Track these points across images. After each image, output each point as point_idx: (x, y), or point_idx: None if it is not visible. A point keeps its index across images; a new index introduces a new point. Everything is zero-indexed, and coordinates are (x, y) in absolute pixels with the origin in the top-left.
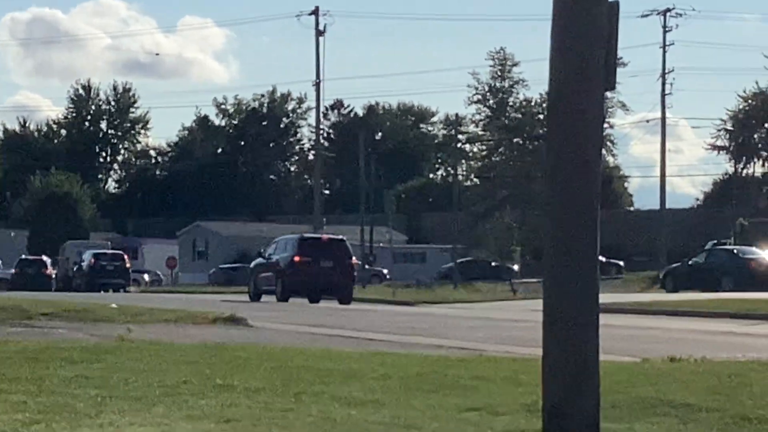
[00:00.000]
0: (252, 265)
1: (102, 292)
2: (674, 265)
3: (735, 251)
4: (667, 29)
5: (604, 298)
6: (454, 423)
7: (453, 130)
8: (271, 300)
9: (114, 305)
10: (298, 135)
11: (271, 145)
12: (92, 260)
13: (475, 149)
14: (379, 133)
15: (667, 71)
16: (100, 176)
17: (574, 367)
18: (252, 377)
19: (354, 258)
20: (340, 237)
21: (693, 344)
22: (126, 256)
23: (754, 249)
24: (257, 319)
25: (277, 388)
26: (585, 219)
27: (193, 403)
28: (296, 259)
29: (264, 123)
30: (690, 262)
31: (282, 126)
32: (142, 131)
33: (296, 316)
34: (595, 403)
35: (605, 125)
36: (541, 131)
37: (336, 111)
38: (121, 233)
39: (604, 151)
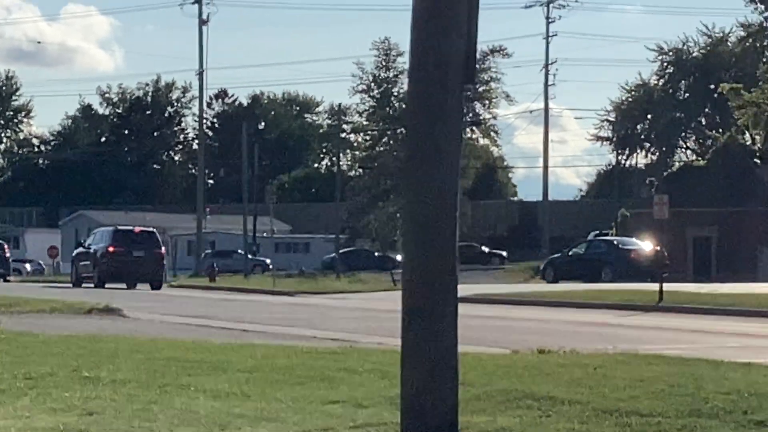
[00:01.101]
0: (74, 254)
1: None
2: (555, 255)
3: (615, 242)
4: (550, 20)
5: (484, 288)
6: (317, 415)
7: (337, 120)
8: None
9: None
10: (183, 124)
11: (155, 134)
12: None
13: (360, 139)
14: (263, 123)
15: (550, 62)
16: None
17: (432, 359)
18: (119, 369)
19: (163, 248)
20: (151, 229)
21: (566, 335)
22: (6, 246)
23: (633, 240)
24: (134, 309)
25: (143, 380)
26: (443, 212)
27: (57, 396)
28: (110, 249)
29: (148, 112)
30: (570, 253)
31: (166, 115)
32: (25, 119)
33: (173, 306)
34: (453, 395)
35: (489, 116)
36: None
37: (220, 100)
38: (2, 222)
39: (488, 142)
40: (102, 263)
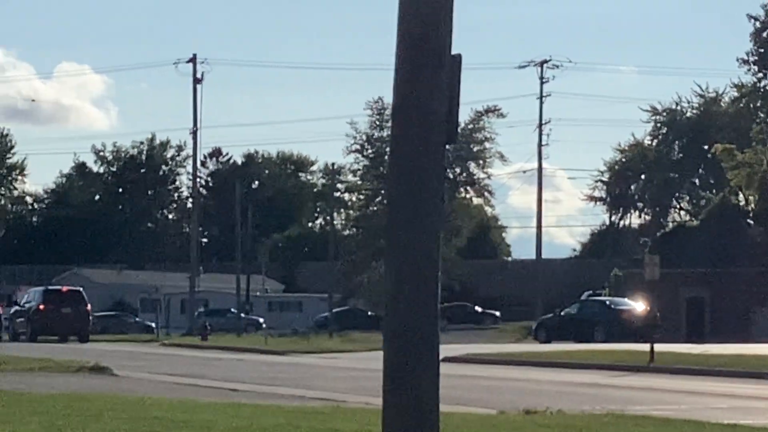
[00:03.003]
0: (11, 312)
1: None
2: (547, 315)
3: (607, 302)
4: (544, 80)
5: (475, 348)
6: None
7: (331, 180)
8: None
9: None
10: (177, 183)
11: (149, 192)
12: None
13: (354, 198)
14: (257, 182)
15: (544, 122)
16: None
17: (414, 418)
18: (104, 428)
19: (89, 305)
20: (78, 288)
21: (555, 396)
22: (0, 303)
23: (626, 300)
24: (123, 368)
25: None
26: (425, 272)
27: None
28: (41, 307)
29: (142, 170)
30: (562, 313)
31: (161, 173)
32: (19, 177)
33: (164, 365)
34: None
35: (483, 175)
36: None
37: (215, 159)
38: None
39: (481, 201)
40: (34, 320)
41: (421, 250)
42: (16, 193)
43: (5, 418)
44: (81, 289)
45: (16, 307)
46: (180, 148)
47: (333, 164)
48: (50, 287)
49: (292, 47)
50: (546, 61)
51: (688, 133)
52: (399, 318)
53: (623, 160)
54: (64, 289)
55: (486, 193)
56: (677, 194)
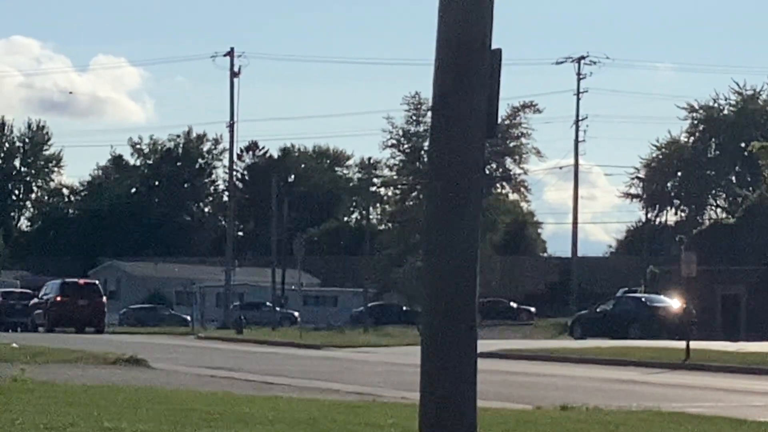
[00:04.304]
0: (30, 303)
1: (10, 331)
2: (582, 312)
3: (643, 299)
4: (581, 77)
5: (510, 344)
6: None
7: (367, 174)
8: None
9: (15, 345)
10: (213, 176)
11: (185, 185)
12: (0, 299)
13: (390, 193)
14: (293, 176)
15: (580, 118)
16: (12, 214)
17: (451, 415)
18: (141, 420)
19: (105, 297)
20: (94, 281)
21: (591, 392)
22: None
23: (662, 297)
24: (159, 360)
25: (164, 431)
26: (463, 268)
27: None
28: (58, 298)
29: (179, 163)
30: (598, 310)
31: (197, 167)
32: (56, 169)
33: (199, 358)
34: None
35: (519, 171)
36: None
37: (251, 153)
38: (32, 272)
39: (518, 197)
40: (51, 311)
41: (461, 245)
42: (52, 185)
43: (43, 409)
44: (97, 282)
45: (35, 300)
46: (216, 142)
47: (369, 159)
48: (67, 280)
49: (329, 41)
50: (583, 58)
51: (725, 131)
52: (437, 313)
53: (660, 157)
54: (81, 281)
55: (522, 189)
56: (714, 192)
